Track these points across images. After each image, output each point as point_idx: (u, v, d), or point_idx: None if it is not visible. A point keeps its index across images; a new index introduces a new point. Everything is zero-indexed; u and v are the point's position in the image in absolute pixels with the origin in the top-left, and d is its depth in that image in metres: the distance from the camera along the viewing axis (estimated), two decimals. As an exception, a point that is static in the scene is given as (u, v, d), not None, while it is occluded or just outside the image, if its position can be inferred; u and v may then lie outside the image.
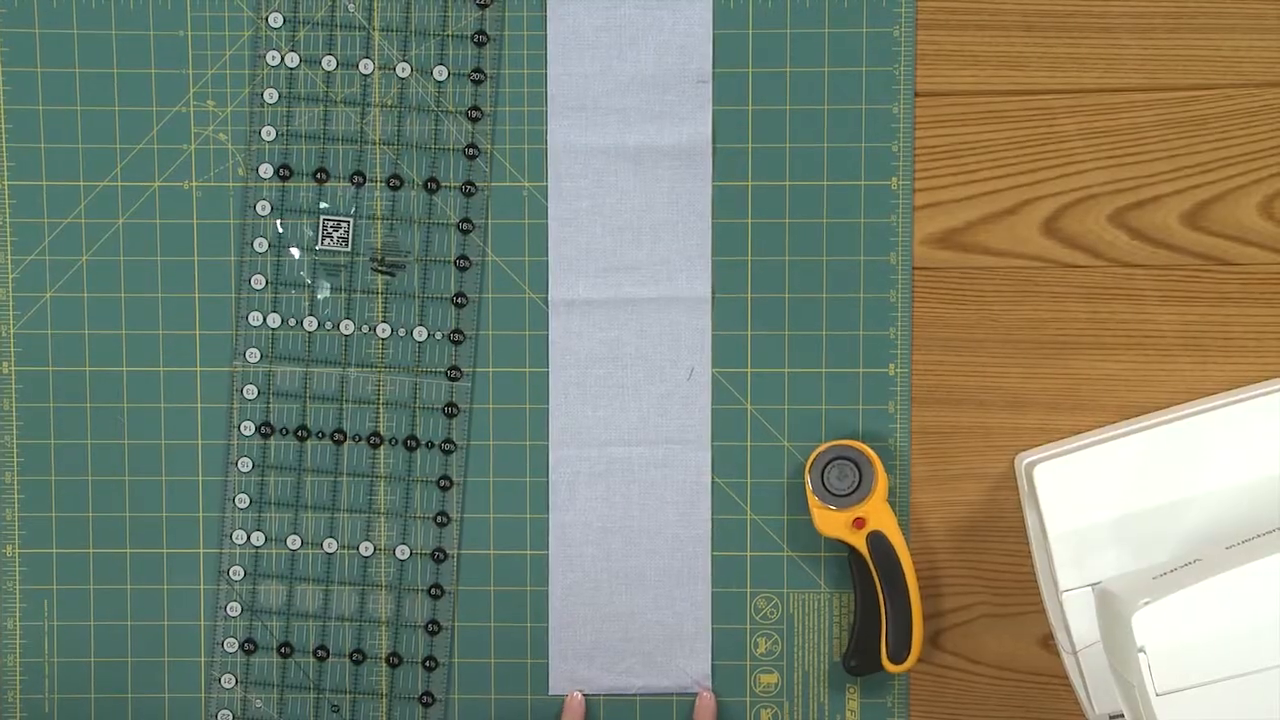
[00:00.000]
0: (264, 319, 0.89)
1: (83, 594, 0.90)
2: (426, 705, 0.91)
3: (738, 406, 0.90)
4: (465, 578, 0.90)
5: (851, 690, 0.91)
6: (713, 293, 0.89)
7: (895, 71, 0.88)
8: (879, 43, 0.88)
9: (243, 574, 0.90)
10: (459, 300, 0.89)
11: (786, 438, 0.90)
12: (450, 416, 0.90)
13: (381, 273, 0.90)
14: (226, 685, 0.90)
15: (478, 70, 0.89)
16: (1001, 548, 0.90)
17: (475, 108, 0.89)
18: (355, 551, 0.90)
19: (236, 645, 0.90)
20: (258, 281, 0.89)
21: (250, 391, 0.90)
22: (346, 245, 0.89)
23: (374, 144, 0.89)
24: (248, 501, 0.90)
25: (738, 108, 0.88)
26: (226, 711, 0.91)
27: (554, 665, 0.90)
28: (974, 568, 0.90)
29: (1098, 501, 0.84)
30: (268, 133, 0.89)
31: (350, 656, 0.90)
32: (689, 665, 0.90)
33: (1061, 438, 0.89)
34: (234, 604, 0.90)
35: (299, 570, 0.90)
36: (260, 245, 0.89)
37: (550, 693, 0.90)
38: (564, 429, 0.90)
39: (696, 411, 0.90)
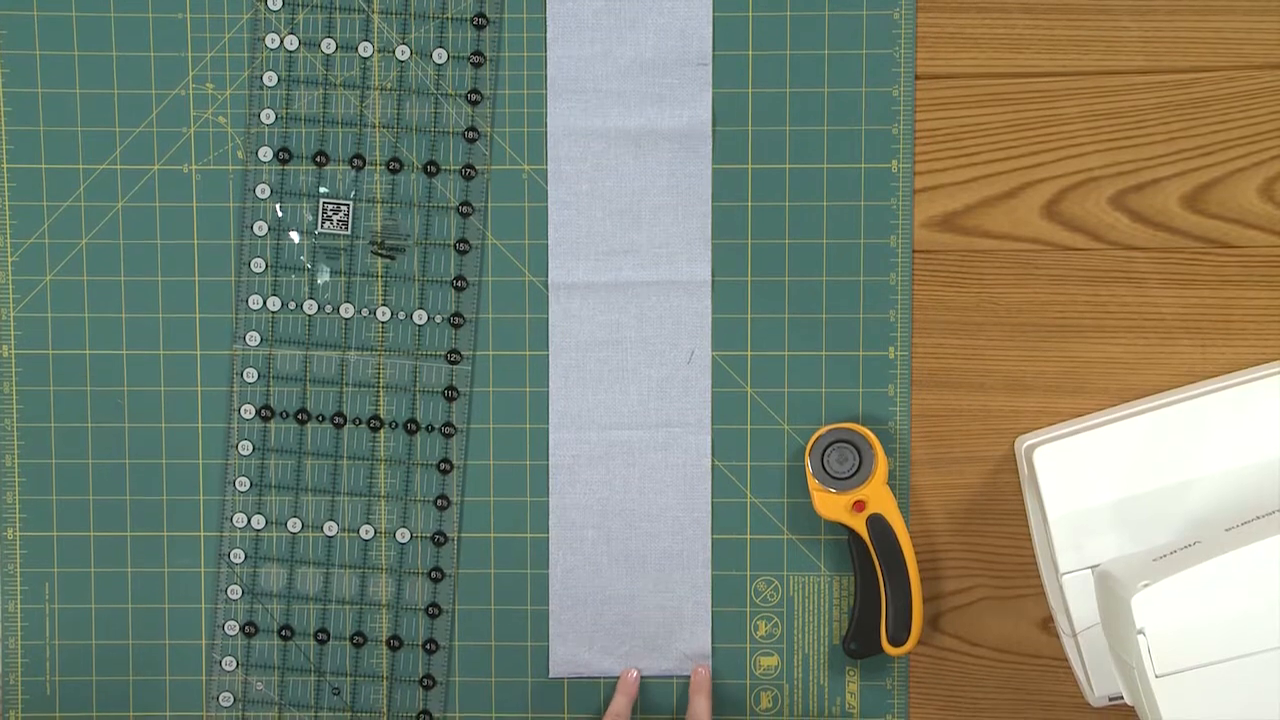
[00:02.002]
0: (264, 302, 0.89)
1: (84, 577, 0.90)
2: (427, 688, 0.91)
3: (738, 390, 0.90)
4: (465, 561, 0.90)
5: (851, 673, 0.91)
6: (713, 276, 0.89)
7: (895, 54, 0.88)
8: (879, 25, 0.88)
9: (243, 557, 0.90)
10: (459, 284, 0.89)
11: (786, 421, 0.90)
12: (450, 400, 0.90)
13: (381, 256, 0.90)
14: (228, 667, 0.91)
15: (477, 53, 0.89)
16: (1001, 530, 0.90)
17: (475, 91, 0.89)
18: (356, 535, 0.90)
19: (237, 628, 0.90)
20: (257, 265, 0.89)
21: (250, 375, 0.90)
22: (346, 229, 0.89)
23: (373, 127, 0.89)
24: (248, 485, 0.90)
25: (738, 90, 0.88)
26: (228, 694, 0.91)
27: (554, 648, 0.90)
28: (974, 550, 0.90)
29: (1097, 484, 0.84)
30: (267, 116, 0.89)
31: (351, 639, 0.91)
32: (689, 648, 0.90)
33: (1061, 420, 0.89)
34: (235, 587, 0.90)
35: (299, 553, 0.90)
36: (260, 228, 0.89)
37: (550, 675, 0.91)
38: (564, 412, 0.90)
39: (696, 395, 0.90)
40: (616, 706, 0.88)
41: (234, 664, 0.91)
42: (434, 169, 0.89)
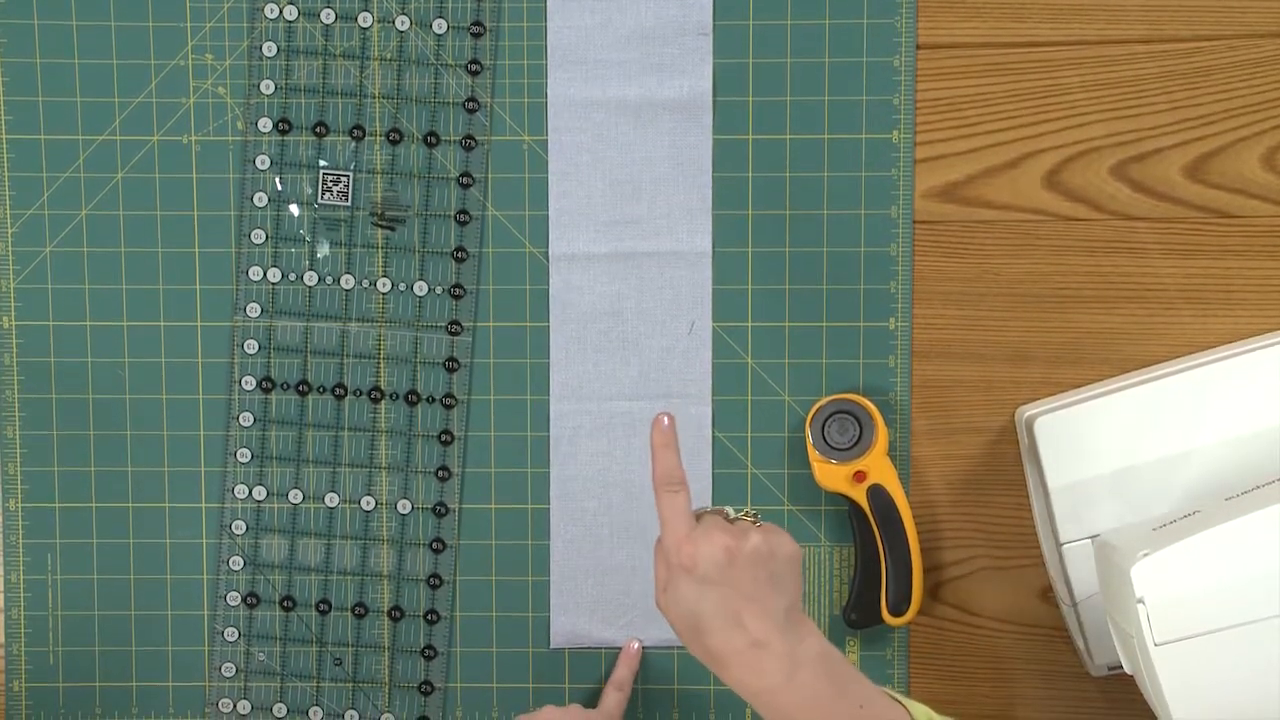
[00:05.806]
0: (264, 274, 0.89)
1: (85, 548, 0.91)
2: (429, 659, 0.91)
3: (738, 361, 0.90)
4: (466, 532, 0.91)
5: (852, 643, 0.91)
6: (713, 247, 0.89)
7: (897, 24, 0.88)
8: (880, -5, 0.88)
9: (245, 528, 0.90)
10: (459, 255, 0.89)
11: (787, 392, 0.90)
12: (451, 371, 0.90)
13: (382, 227, 0.89)
14: (229, 638, 0.91)
15: (477, 23, 0.88)
16: (1001, 501, 0.90)
17: (475, 61, 0.89)
18: (357, 506, 0.90)
19: (239, 599, 0.91)
20: (258, 236, 0.89)
21: (251, 346, 0.90)
22: (346, 200, 0.89)
23: (373, 98, 0.89)
24: (249, 456, 0.90)
25: (738, 60, 0.88)
26: (230, 664, 0.91)
27: (555, 619, 0.91)
28: (974, 521, 0.90)
29: (1098, 454, 0.84)
30: (267, 86, 0.88)
31: (352, 610, 0.91)
32: (690, 618, 0.90)
33: (1062, 391, 0.89)
34: (236, 558, 0.91)
35: (301, 524, 0.90)
36: (260, 200, 0.89)
37: (551, 646, 0.91)
38: (565, 383, 0.90)
39: (697, 366, 0.90)
40: (618, 674, 0.88)
41: (236, 634, 0.91)
42: (434, 140, 0.89)
